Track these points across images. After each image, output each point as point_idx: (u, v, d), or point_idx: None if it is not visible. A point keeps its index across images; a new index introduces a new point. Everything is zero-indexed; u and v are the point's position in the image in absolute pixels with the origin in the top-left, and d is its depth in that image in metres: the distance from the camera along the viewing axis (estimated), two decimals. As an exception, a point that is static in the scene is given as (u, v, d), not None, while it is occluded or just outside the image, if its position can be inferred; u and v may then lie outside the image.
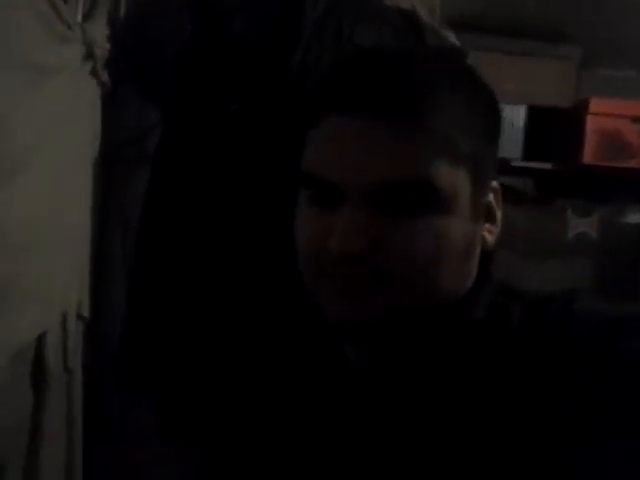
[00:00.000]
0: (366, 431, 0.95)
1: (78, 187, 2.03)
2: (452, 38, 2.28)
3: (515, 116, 2.46)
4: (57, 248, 1.95)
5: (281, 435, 1.05)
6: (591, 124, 2.45)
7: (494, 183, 0.99)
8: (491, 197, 0.98)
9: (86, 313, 2.08)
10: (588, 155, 2.45)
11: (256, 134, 2.01)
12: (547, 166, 2.52)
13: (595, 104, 2.47)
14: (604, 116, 2.46)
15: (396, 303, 0.92)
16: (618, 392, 0.87)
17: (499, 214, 1.00)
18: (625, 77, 2.56)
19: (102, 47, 2.04)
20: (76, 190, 2.02)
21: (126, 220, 2.08)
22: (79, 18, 1.99)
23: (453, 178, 0.92)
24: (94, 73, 2.04)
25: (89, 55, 2.02)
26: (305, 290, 0.98)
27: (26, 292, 1.87)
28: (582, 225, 2.55)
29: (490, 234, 0.99)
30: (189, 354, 2.01)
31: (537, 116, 2.49)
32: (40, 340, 1.94)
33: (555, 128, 2.50)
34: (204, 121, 2.04)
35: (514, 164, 2.46)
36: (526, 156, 2.49)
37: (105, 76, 2.05)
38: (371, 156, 0.90)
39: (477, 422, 0.89)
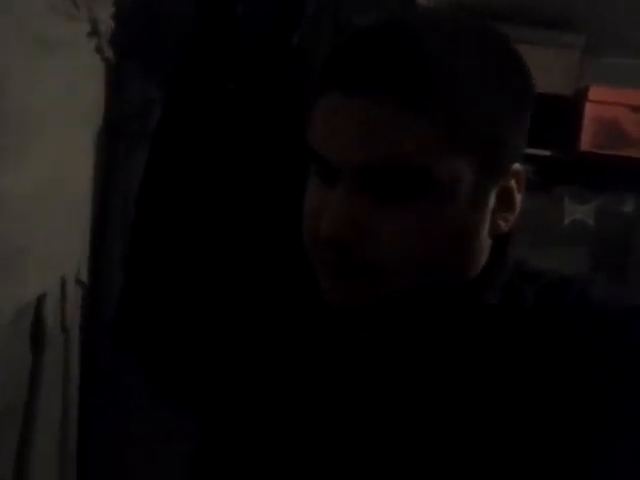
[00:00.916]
0: (372, 411, 0.94)
1: (81, 158, 2.12)
2: None
3: (515, 103, 2.43)
4: (59, 215, 2.04)
5: (286, 412, 1.03)
6: (590, 112, 2.44)
7: (517, 166, 0.92)
8: (512, 181, 0.92)
9: (85, 278, 2.17)
10: (586, 143, 2.44)
11: (253, 113, 2.07)
12: (546, 153, 2.51)
13: (594, 92, 2.45)
14: (603, 104, 2.44)
15: (382, 293, 0.89)
16: (628, 387, 0.87)
17: (518, 199, 0.94)
18: (630, 65, 2.52)
19: (106, 24, 2.12)
20: (78, 160, 2.11)
21: (127, 191, 2.16)
22: (85, -4, 2.07)
23: (453, 165, 0.87)
24: (99, 49, 2.12)
25: (94, 31, 2.10)
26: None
27: (28, 256, 1.95)
28: (579, 212, 2.54)
29: (504, 221, 0.94)
30: (185, 321, 2.08)
31: (537, 103, 2.45)
32: (40, 302, 2.02)
33: (554, 115, 2.44)
34: (204, 99, 2.10)
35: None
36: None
37: (109, 52, 2.13)
38: (362, 136, 0.86)
39: (484, 407, 0.89)
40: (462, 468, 0.88)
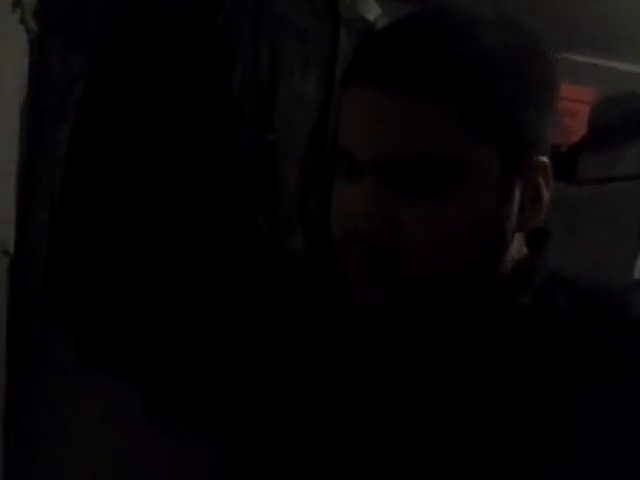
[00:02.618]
0: (394, 403, 0.95)
1: (5, 130, 2.16)
2: (375, 11, 2.15)
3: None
4: None
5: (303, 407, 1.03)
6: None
7: (542, 159, 0.93)
8: (539, 176, 0.93)
9: (11, 249, 2.20)
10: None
11: (178, 89, 2.03)
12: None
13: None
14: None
15: (409, 282, 0.90)
16: None
17: (545, 193, 0.93)
18: None
19: (31, -5, 2.12)
20: (3, 133, 2.15)
21: (52, 164, 2.14)
22: (8, -34, 2.10)
23: (479, 156, 0.87)
24: (22, 21, 2.13)
25: (17, 3, 2.12)
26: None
27: None
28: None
29: (532, 217, 0.93)
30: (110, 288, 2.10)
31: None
32: None
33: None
34: (130, 73, 2.07)
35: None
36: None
37: (33, 24, 2.13)
38: (385, 129, 0.87)
39: (508, 407, 0.89)
40: (483, 463, 0.88)
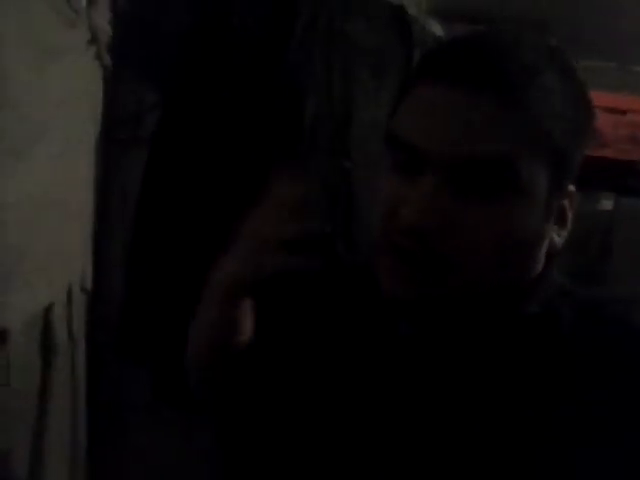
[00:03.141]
0: (402, 402, 0.96)
1: (81, 164, 2.16)
2: (439, 31, 2.19)
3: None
4: (62, 224, 2.10)
5: (318, 403, 1.04)
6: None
7: (571, 187, 0.96)
8: (566, 200, 0.96)
9: (89, 286, 2.18)
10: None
11: (250, 120, 2.03)
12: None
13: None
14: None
15: (451, 285, 0.90)
16: None
17: (570, 218, 0.97)
18: (605, 68, 2.47)
19: (105, 31, 2.12)
20: (79, 167, 2.15)
21: (124, 197, 2.12)
22: (83, 3, 2.11)
23: (536, 169, 0.89)
24: (98, 56, 2.13)
25: (94, 39, 2.13)
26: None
27: (35, 265, 2.01)
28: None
29: (559, 237, 0.96)
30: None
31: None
32: (48, 311, 2.07)
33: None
34: (200, 105, 2.06)
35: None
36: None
37: (108, 59, 2.13)
38: (460, 128, 0.87)
39: (505, 408, 0.90)
40: (487, 461, 0.89)
